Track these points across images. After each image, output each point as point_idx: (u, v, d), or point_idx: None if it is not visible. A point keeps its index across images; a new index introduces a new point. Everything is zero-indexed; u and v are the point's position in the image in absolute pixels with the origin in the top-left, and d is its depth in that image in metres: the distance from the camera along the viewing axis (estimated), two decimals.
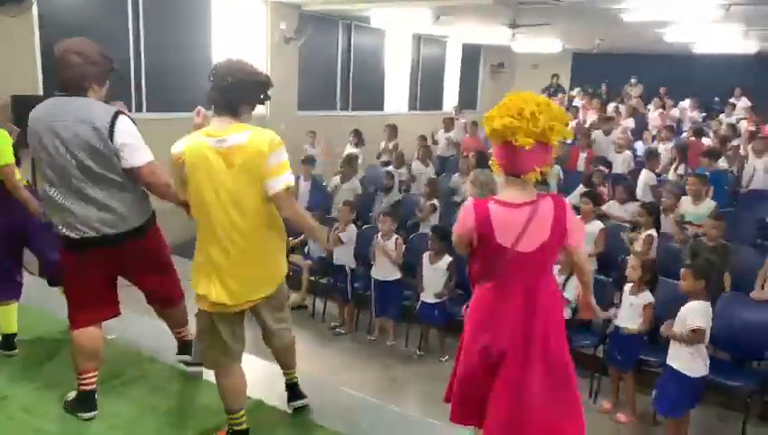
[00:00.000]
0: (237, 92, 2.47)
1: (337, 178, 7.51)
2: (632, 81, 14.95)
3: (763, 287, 4.61)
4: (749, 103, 13.19)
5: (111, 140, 2.63)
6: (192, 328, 2.99)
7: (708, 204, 5.76)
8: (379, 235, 5.56)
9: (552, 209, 2.38)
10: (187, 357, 3.30)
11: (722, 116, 12.28)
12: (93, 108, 2.68)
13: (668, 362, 3.88)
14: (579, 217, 4.55)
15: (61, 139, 2.62)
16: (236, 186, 2.44)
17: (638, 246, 5.21)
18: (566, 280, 4.62)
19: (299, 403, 2.98)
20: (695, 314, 3.77)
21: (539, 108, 2.31)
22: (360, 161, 8.39)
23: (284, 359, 2.93)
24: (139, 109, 7.59)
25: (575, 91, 14.98)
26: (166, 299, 3.11)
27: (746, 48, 12.61)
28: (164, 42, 7.94)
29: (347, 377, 4.86)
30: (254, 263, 2.53)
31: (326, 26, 11.21)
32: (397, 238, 5.53)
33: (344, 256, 5.83)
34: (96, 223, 2.70)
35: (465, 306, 2.82)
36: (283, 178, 2.45)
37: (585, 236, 5.02)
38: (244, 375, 2.66)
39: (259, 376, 3.07)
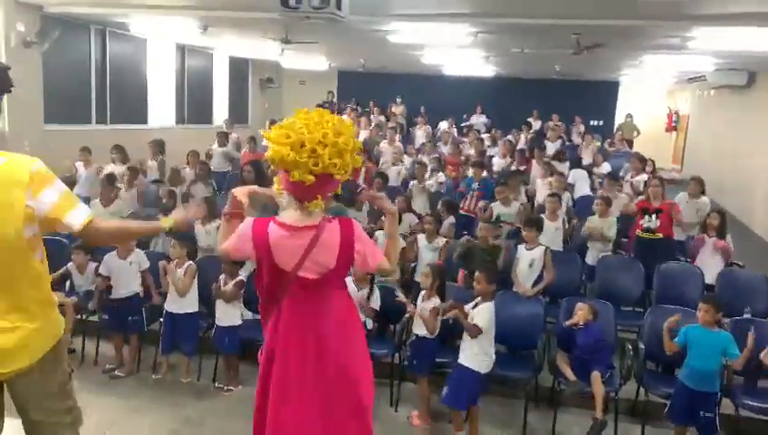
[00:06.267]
0: None
1: (97, 202, 6.67)
2: (397, 100, 16.08)
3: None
4: (486, 119, 15.23)
5: None
6: None
7: (515, 205, 6.52)
8: (173, 263, 4.96)
9: (338, 234, 2.30)
10: None
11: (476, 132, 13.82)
12: None
13: (459, 361, 4.15)
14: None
15: None
16: None
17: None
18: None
19: None
20: (480, 314, 4.10)
21: (324, 140, 2.14)
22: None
23: None
24: None
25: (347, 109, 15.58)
26: None
27: (486, 72, 14.60)
28: None
29: (132, 425, 4.30)
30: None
31: (76, 31, 10.05)
32: (189, 265, 4.98)
33: (131, 286, 5.08)
34: None
35: (259, 351, 2.57)
36: (80, 210, 2.03)
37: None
38: None
39: None
